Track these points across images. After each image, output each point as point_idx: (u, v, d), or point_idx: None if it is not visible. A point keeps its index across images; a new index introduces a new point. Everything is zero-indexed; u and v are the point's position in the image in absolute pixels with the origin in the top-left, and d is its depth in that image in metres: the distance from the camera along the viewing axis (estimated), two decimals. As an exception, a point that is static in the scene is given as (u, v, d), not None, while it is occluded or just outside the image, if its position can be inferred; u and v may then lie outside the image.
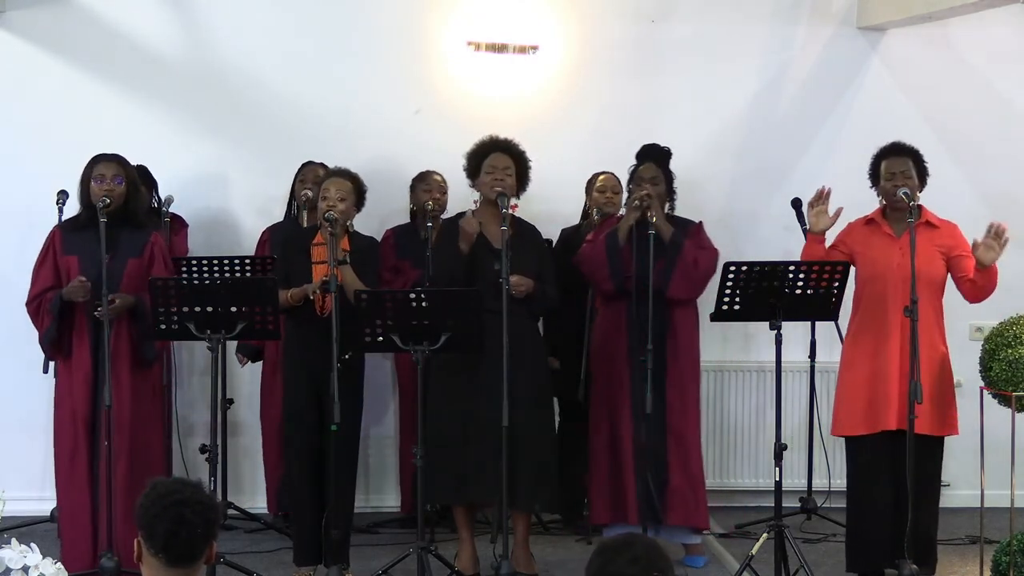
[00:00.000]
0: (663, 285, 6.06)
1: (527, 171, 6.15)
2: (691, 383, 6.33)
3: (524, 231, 6.14)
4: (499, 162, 6.06)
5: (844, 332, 6.16)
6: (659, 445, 6.13)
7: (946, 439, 5.87)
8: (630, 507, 6.14)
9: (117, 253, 5.81)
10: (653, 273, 5.99)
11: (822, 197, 5.89)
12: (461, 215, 6.16)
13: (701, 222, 6.39)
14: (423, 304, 5.56)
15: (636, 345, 6.10)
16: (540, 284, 6.04)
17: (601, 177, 6.98)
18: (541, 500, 6.13)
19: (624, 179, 6.82)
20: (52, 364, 6.36)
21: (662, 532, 6.14)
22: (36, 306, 5.85)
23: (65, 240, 5.87)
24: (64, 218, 6.45)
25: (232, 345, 6.82)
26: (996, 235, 5.67)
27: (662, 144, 6.39)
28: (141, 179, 6.28)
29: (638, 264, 6.03)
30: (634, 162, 6.39)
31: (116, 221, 5.77)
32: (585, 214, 7.09)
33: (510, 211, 5.86)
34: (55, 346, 5.85)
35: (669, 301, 6.14)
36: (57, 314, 5.76)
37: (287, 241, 6.28)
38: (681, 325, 6.23)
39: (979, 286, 5.78)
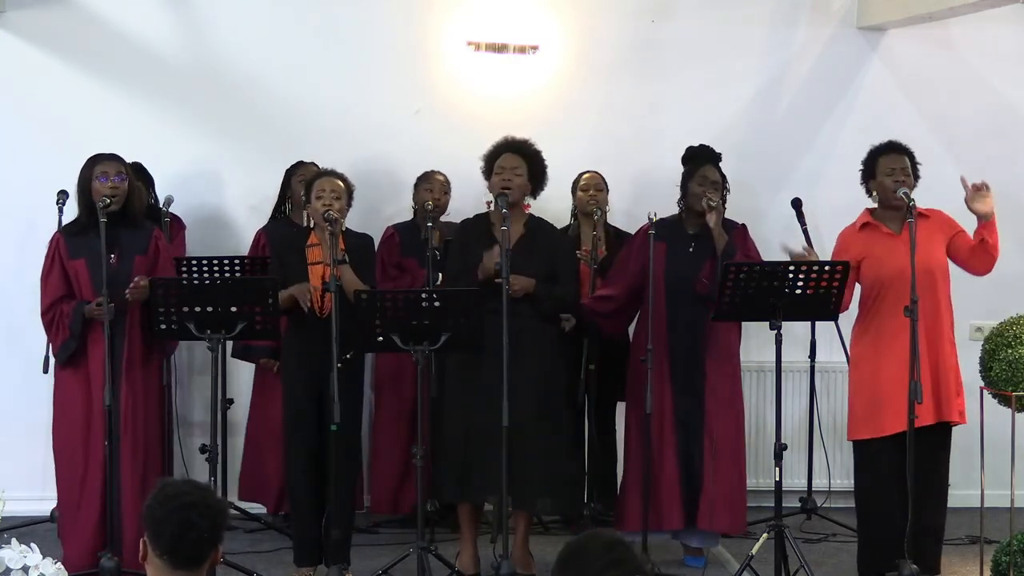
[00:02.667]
0: (713, 293, 5.96)
1: (542, 170, 6.13)
2: (730, 386, 6.25)
3: (538, 231, 6.11)
4: (507, 162, 6.05)
5: (843, 332, 6.15)
6: (695, 450, 6.10)
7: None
8: (665, 515, 6.09)
9: (123, 253, 5.78)
10: (701, 277, 6.01)
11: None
12: (480, 217, 6.16)
13: (744, 225, 6.30)
14: (435, 304, 5.52)
15: (678, 348, 6.11)
16: (544, 285, 5.99)
17: (585, 176, 6.95)
18: (543, 501, 6.11)
19: (610, 178, 6.83)
20: (52, 364, 6.35)
21: (693, 537, 6.22)
22: (51, 317, 5.77)
23: (69, 244, 5.81)
24: (64, 218, 6.44)
25: (232, 346, 6.81)
26: (976, 188, 5.76)
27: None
28: (138, 176, 6.27)
29: (658, 265, 6.02)
30: (685, 162, 6.33)
31: (115, 221, 5.74)
32: (574, 214, 7.05)
33: (508, 212, 5.82)
34: (73, 356, 5.79)
35: (711, 306, 6.07)
36: (79, 331, 5.72)
37: (283, 242, 6.26)
38: (719, 328, 6.16)
39: (990, 244, 5.77)
